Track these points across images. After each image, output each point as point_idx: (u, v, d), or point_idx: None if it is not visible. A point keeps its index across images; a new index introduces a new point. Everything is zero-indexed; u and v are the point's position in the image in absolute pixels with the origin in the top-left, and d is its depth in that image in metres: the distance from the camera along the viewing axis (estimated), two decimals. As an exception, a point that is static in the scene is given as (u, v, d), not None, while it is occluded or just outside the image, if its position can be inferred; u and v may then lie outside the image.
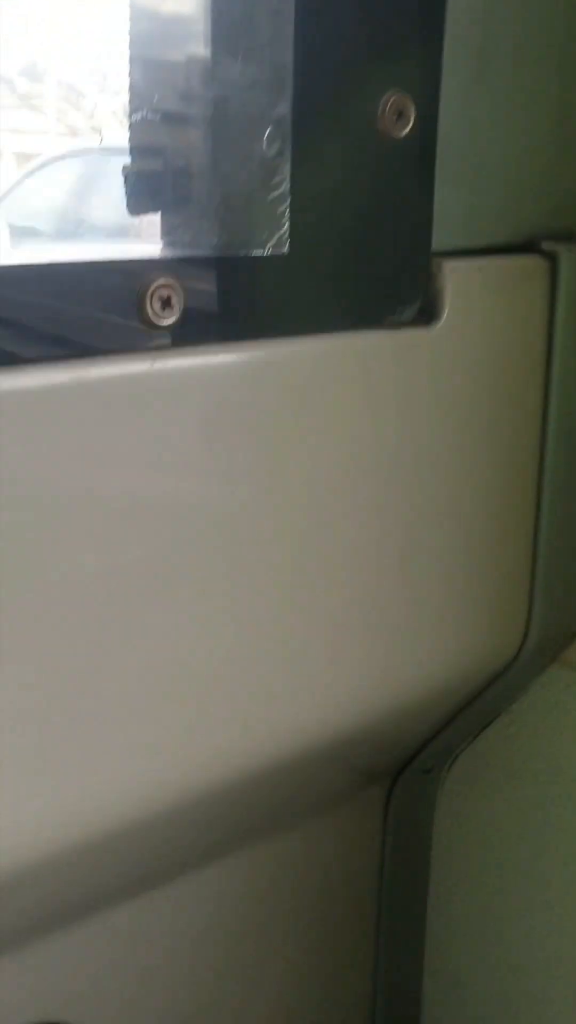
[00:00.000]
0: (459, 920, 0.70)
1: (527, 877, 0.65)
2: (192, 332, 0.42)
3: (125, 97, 0.43)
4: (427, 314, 0.50)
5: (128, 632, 0.42)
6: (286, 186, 0.43)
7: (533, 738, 0.63)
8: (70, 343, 0.39)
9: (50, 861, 0.43)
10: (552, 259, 0.53)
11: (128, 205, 0.44)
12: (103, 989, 0.59)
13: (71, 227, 0.66)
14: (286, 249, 0.44)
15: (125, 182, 0.44)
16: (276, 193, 0.43)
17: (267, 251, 0.44)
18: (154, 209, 0.44)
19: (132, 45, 0.43)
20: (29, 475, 0.38)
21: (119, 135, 0.43)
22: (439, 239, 0.50)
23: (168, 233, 0.43)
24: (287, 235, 0.44)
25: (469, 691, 0.61)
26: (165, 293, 0.40)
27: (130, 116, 0.42)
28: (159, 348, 0.41)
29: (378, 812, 0.69)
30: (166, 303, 0.41)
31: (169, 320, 0.41)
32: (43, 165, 0.74)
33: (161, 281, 0.40)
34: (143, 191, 0.43)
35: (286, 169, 0.43)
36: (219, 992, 0.65)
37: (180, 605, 0.44)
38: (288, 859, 0.66)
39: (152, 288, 0.40)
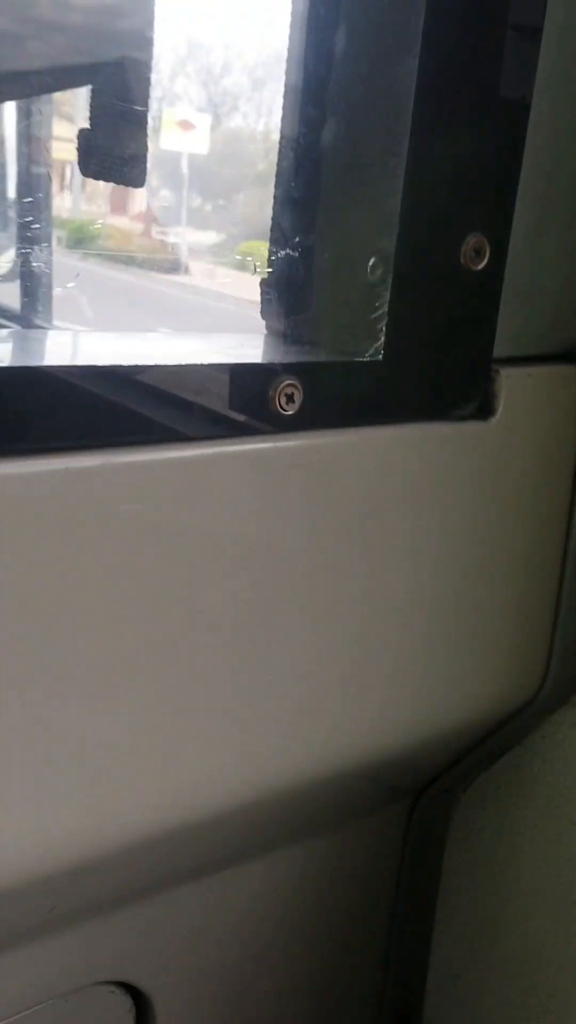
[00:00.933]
0: (463, 926, 0.80)
1: (527, 890, 0.75)
2: (307, 420, 0.52)
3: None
4: (485, 410, 0.60)
5: (201, 659, 0.52)
6: (385, 308, 0.54)
7: (543, 768, 0.73)
8: (213, 425, 0.50)
9: (116, 853, 0.53)
10: None
11: (262, 313, 0.55)
12: (160, 957, 0.68)
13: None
14: (381, 356, 0.55)
15: (262, 298, 0.54)
16: (377, 313, 0.54)
17: (366, 358, 0.55)
18: (281, 317, 0.55)
19: (277, 187, 0.54)
20: (168, 525, 0.49)
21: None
22: (497, 348, 0.60)
23: (294, 341, 0.54)
24: (382, 346, 0.54)
25: (490, 726, 0.72)
26: (290, 391, 0.51)
27: (270, 254, 0.52)
28: (281, 432, 0.52)
29: (400, 825, 0.79)
30: (290, 399, 0.51)
31: (291, 411, 0.51)
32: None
33: (287, 381, 0.51)
34: (273, 310, 0.54)
35: (386, 294, 0.54)
36: (248, 974, 0.75)
37: (250, 642, 0.54)
38: (317, 862, 0.75)
39: (281, 386, 0.51)
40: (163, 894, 0.66)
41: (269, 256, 0.53)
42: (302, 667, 0.57)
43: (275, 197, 0.53)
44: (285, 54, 0.53)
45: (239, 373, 0.50)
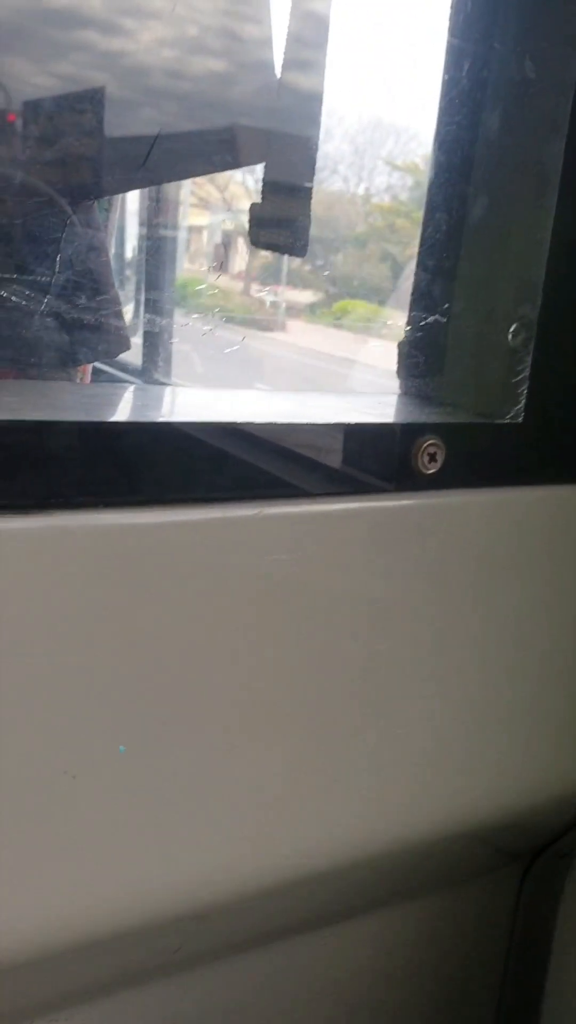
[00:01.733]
0: (574, 993, 0.78)
1: None
2: (447, 479, 0.54)
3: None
4: None
5: (331, 710, 0.53)
6: (526, 372, 0.56)
7: None
8: (356, 481, 0.52)
9: (242, 899, 0.54)
10: None
11: (399, 373, 0.58)
12: (273, 1006, 0.69)
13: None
14: (520, 419, 0.56)
15: (398, 357, 0.57)
16: (518, 377, 0.56)
17: (506, 420, 0.56)
18: (419, 379, 0.57)
19: (422, 256, 0.56)
20: (310, 575, 0.50)
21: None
22: None
23: (432, 403, 0.56)
24: (522, 408, 0.56)
25: None
26: (432, 449, 0.53)
27: (412, 318, 0.55)
28: (421, 489, 0.53)
29: (513, 889, 0.78)
30: (432, 457, 0.53)
31: (433, 469, 0.53)
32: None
33: (431, 440, 0.53)
34: (411, 371, 0.56)
35: (527, 359, 0.56)
36: None
37: (380, 696, 0.55)
38: (428, 921, 0.75)
39: (424, 445, 0.53)
40: (279, 944, 0.67)
41: (410, 321, 0.55)
42: (424, 726, 0.58)
43: (419, 265, 0.56)
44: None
45: (384, 431, 0.52)
